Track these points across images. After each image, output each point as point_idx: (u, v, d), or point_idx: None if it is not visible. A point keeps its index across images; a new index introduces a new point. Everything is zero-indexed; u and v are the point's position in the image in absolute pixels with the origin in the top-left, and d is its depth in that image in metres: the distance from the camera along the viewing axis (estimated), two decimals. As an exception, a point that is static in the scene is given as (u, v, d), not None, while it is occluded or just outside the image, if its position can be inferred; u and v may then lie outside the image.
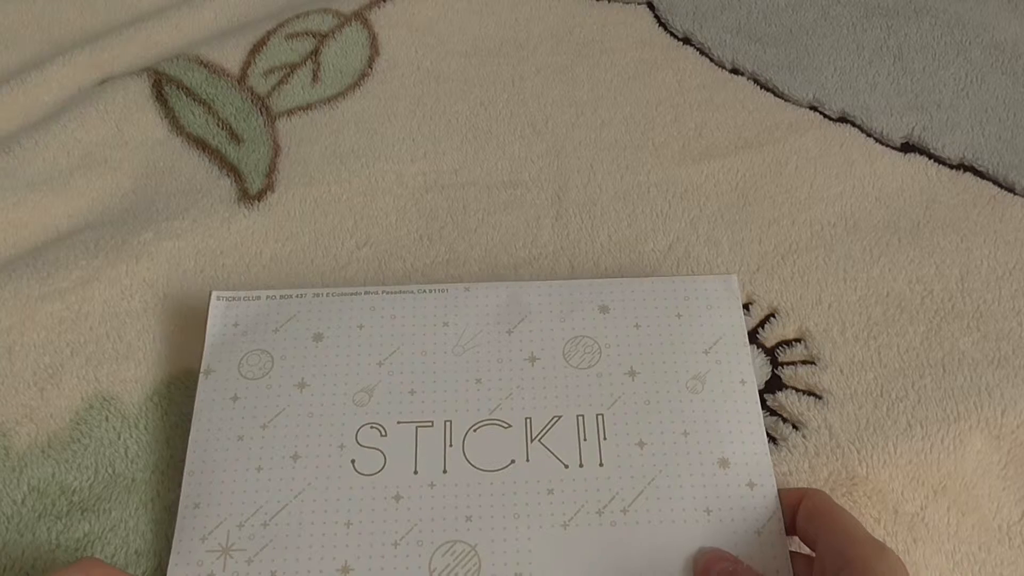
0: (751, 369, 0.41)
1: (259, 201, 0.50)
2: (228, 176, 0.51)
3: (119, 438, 0.41)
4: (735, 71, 0.57)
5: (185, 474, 0.38)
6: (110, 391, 0.42)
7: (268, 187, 0.51)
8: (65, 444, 0.41)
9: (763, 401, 0.42)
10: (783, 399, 0.42)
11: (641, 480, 0.38)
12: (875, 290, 0.46)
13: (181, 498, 0.38)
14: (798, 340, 0.44)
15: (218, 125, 0.53)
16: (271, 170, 0.51)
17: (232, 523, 0.37)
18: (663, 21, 0.61)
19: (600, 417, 0.39)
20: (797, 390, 0.42)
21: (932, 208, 0.50)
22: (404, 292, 0.43)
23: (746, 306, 0.46)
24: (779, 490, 0.38)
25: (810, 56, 0.58)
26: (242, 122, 0.54)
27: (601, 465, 0.38)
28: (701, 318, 0.42)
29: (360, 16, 0.59)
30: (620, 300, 0.43)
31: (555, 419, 0.39)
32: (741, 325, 0.42)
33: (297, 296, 0.43)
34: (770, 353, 0.44)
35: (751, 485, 0.38)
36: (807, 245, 0.48)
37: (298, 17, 0.59)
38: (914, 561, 0.37)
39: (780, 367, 0.43)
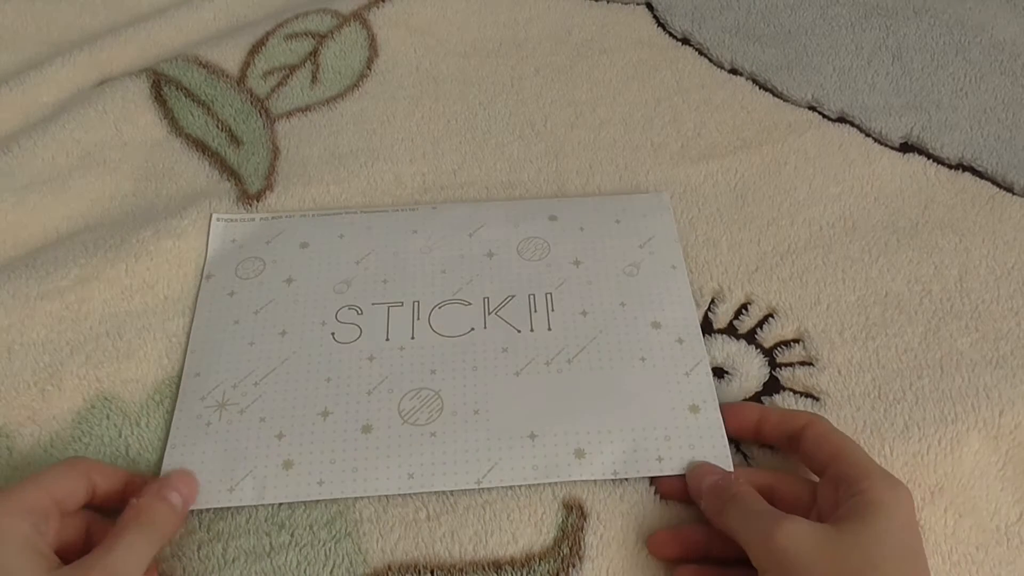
0: (681, 258, 0.47)
1: (258, 201, 0.50)
2: (227, 177, 0.51)
3: (120, 436, 0.41)
4: (734, 71, 0.57)
5: (188, 352, 0.44)
6: (111, 390, 0.42)
7: (267, 187, 0.51)
8: (67, 443, 0.41)
9: (760, 403, 0.42)
10: (780, 401, 0.42)
11: (584, 339, 0.43)
12: (873, 290, 0.46)
13: (184, 370, 0.43)
14: (796, 341, 0.44)
15: (217, 127, 0.53)
16: (270, 171, 0.51)
17: (227, 384, 0.42)
18: (662, 21, 0.61)
19: (549, 295, 0.45)
20: (795, 392, 0.42)
21: (931, 208, 0.50)
22: (379, 211, 0.50)
23: (745, 306, 0.46)
24: (784, 410, 0.41)
25: (809, 56, 0.58)
26: (241, 124, 0.54)
27: (549, 330, 0.44)
28: (637, 222, 0.49)
29: (359, 16, 0.59)
30: (567, 211, 0.49)
31: (509, 297, 0.45)
32: (672, 227, 0.48)
33: (286, 216, 0.49)
34: (768, 354, 0.44)
35: (680, 341, 0.43)
36: (806, 245, 0.48)
37: (297, 17, 0.59)
38: (911, 562, 0.37)
39: (778, 368, 0.43)
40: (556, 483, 0.39)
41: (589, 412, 0.41)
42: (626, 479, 0.39)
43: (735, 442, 0.41)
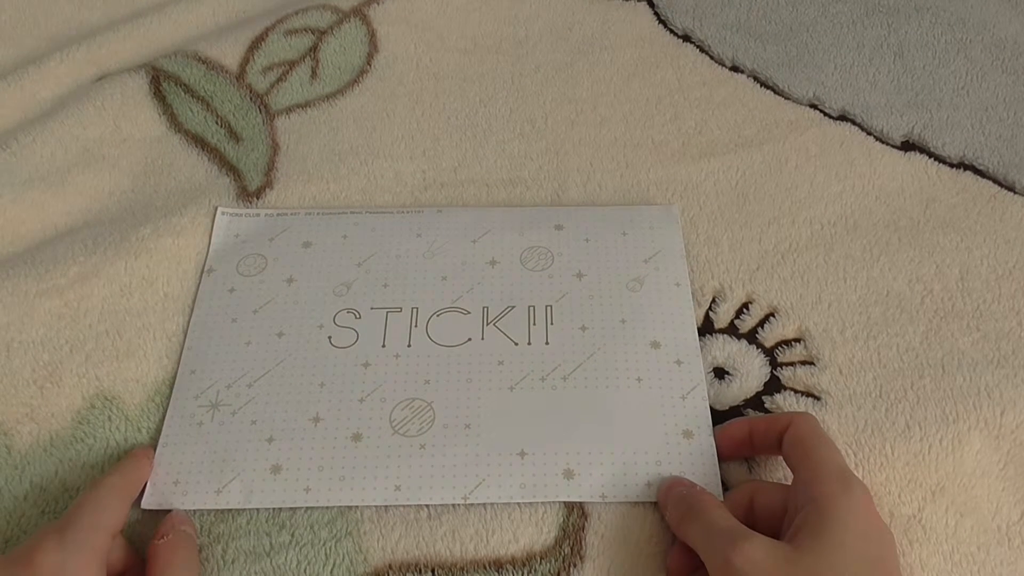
0: (686, 275, 0.46)
1: (258, 198, 0.50)
2: (227, 173, 0.51)
3: (120, 436, 0.41)
4: (735, 69, 0.57)
5: (184, 349, 0.44)
6: (111, 390, 0.42)
7: (267, 184, 0.50)
8: (68, 443, 0.40)
9: (761, 403, 0.42)
10: (781, 401, 0.42)
11: (581, 355, 0.43)
12: (875, 289, 0.46)
13: (179, 367, 0.43)
14: (797, 340, 0.44)
15: (216, 122, 0.53)
16: (270, 168, 0.51)
17: (221, 384, 0.42)
18: (663, 18, 0.61)
19: (549, 308, 0.45)
20: (795, 391, 0.42)
21: (932, 207, 0.50)
22: (384, 212, 0.49)
23: (746, 305, 0.46)
24: (771, 415, 0.41)
25: (810, 54, 0.58)
26: (241, 120, 0.53)
27: (547, 344, 0.43)
28: (644, 236, 0.48)
29: (359, 12, 0.59)
30: (573, 221, 0.48)
31: (509, 308, 0.45)
32: (680, 242, 0.48)
33: (291, 214, 0.49)
34: (769, 353, 0.44)
35: (679, 363, 0.43)
36: (807, 244, 0.48)
37: (297, 13, 0.59)
38: (910, 563, 0.37)
39: (779, 368, 0.43)
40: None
41: (581, 432, 0.40)
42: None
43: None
